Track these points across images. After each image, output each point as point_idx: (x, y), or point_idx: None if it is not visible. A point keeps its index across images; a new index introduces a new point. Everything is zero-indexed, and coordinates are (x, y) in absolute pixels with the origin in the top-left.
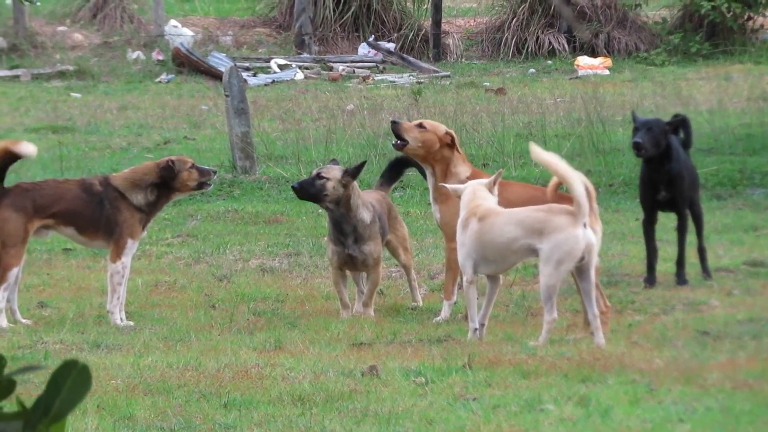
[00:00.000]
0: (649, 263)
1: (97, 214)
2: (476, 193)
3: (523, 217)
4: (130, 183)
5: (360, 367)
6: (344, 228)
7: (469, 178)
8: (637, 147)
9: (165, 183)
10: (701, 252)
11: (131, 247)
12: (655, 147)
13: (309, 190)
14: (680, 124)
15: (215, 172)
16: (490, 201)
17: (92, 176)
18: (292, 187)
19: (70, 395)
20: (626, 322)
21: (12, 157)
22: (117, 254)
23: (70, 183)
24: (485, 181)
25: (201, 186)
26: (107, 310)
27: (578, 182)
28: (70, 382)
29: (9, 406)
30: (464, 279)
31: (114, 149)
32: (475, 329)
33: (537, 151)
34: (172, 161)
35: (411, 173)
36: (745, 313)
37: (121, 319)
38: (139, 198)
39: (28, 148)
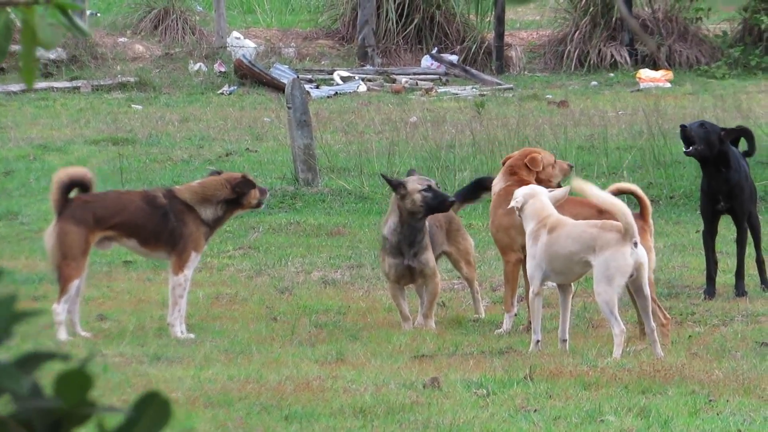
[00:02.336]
0: (708, 275)
1: (160, 226)
2: (543, 203)
3: (580, 231)
4: (200, 197)
5: (421, 379)
6: (415, 238)
7: (500, 191)
8: (683, 131)
9: (235, 199)
10: (760, 264)
11: (194, 260)
12: (705, 144)
13: None
14: (740, 134)
15: (268, 191)
16: (554, 210)
17: (155, 188)
18: (452, 200)
19: (147, 427)
20: (686, 334)
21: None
22: (180, 267)
23: (132, 194)
24: (546, 191)
25: (258, 205)
26: (168, 322)
27: (621, 206)
28: (149, 414)
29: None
30: (531, 290)
31: (175, 161)
32: (537, 341)
33: (578, 185)
34: (247, 177)
35: None
36: None
37: (181, 331)
38: (208, 212)
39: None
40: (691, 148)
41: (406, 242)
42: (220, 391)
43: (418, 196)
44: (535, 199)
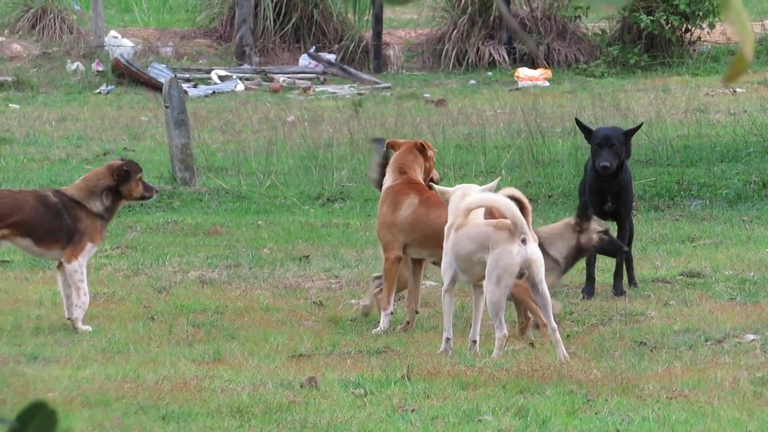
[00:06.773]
0: (588, 274)
1: (56, 224)
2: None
3: (476, 231)
4: (85, 191)
5: (299, 378)
6: None
7: (388, 189)
8: (604, 170)
9: (116, 187)
10: (628, 261)
11: (90, 250)
12: (617, 161)
13: None
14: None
15: (157, 192)
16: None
17: (42, 188)
18: (626, 250)
19: None
20: (564, 333)
21: None
22: (74, 254)
23: (26, 194)
24: (477, 187)
25: (143, 198)
26: (75, 305)
27: (507, 203)
28: (35, 424)
29: None
30: (443, 287)
31: (53, 161)
32: (447, 338)
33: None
34: (128, 164)
35: (351, 184)
36: (681, 323)
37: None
38: (97, 204)
39: None
40: (609, 164)
41: None
42: (98, 390)
43: (595, 237)
44: (459, 192)
